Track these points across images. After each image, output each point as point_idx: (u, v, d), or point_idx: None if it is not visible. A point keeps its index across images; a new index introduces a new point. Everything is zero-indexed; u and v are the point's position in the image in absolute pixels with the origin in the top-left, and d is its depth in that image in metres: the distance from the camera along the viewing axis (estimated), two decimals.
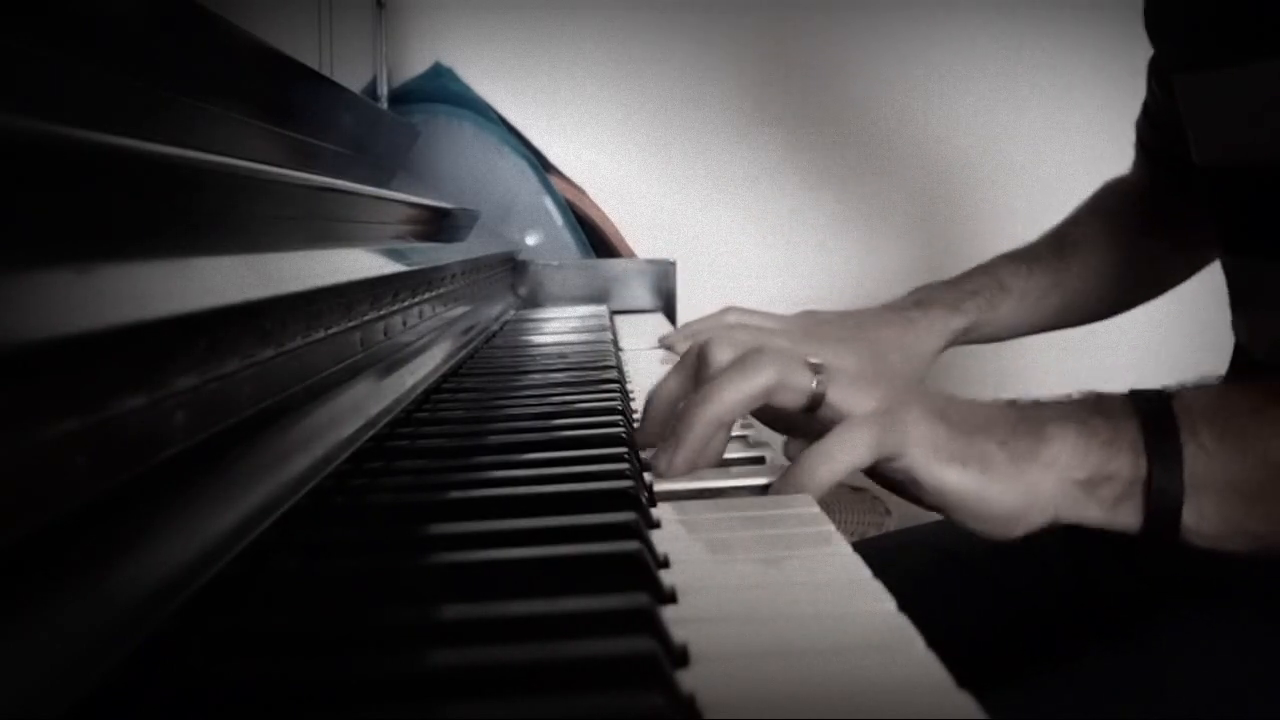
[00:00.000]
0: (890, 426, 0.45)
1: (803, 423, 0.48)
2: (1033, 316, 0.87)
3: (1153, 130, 0.86)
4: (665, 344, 0.88)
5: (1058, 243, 0.90)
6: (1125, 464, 0.46)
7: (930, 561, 0.72)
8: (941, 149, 1.74)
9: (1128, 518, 0.46)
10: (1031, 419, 0.47)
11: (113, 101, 0.37)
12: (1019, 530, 0.46)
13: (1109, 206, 0.91)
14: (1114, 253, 0.89)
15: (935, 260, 1.59)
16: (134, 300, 0.28)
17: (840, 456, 0.44)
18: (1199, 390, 0.49)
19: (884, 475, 0.47)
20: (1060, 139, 1.70)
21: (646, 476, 0.46)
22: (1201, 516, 0.46)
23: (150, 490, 0.28)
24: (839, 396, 0.46)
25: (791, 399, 0.46)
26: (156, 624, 0.25)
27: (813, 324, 0.79)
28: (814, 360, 0.47)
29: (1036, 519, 0.46)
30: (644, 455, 0.49)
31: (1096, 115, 1.63)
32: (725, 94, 1.72)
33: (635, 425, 0.54)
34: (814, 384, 0.46)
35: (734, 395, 0.46)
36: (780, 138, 1.73)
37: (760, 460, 0.50)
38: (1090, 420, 0.47)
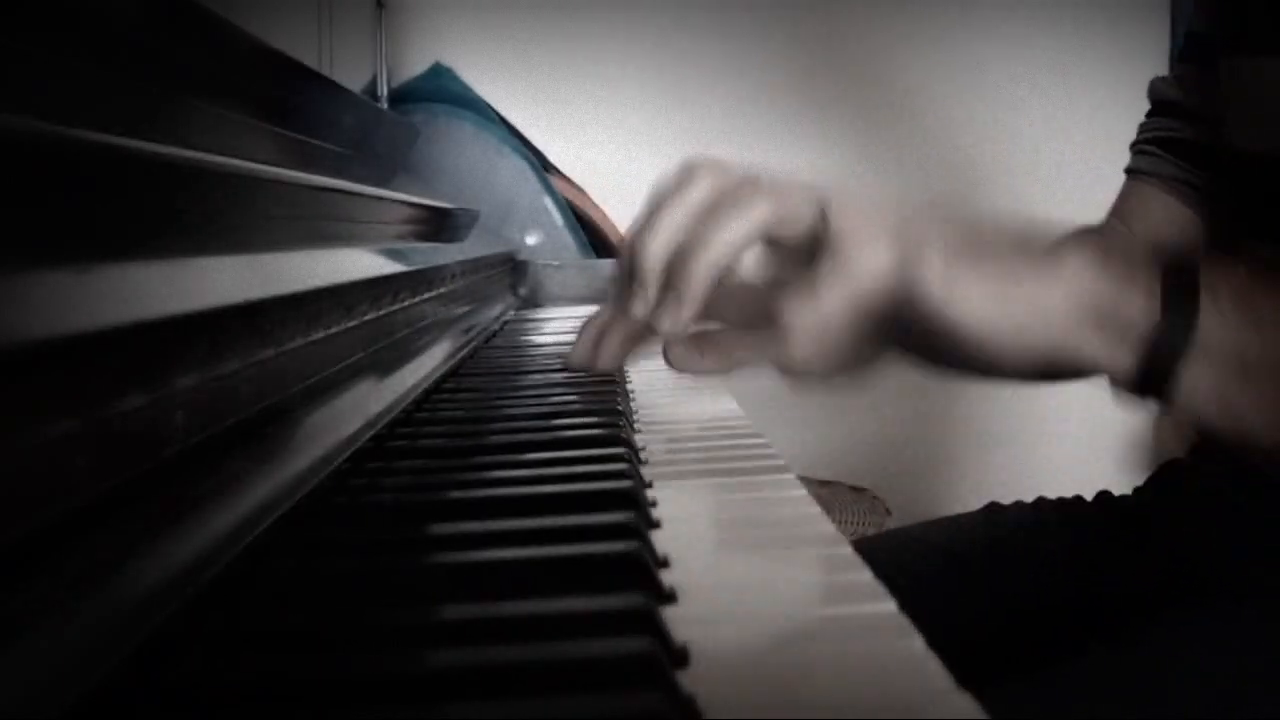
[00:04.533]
0: (907, 250, 0.40)
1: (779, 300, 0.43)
2: None
3: (1188, 125, 0.78)
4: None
5: None
6: (1138, 305, 0.43)
7: (930, 561, 0.72)
8: (942, 149, 1.74)
9: (1123, 362, 0.44)
10: (1052, 238, 0.45)
11: (113, 101, 0.37)
12: (1015, 351, 0.43)
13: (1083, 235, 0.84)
14: None
15: None
16: (134, 300, 0.28)
17: (849, 281, 0.39)
18: (1230, 261, 0.47)
19: (892, 317, 0.43)
20: (1060, 139, 1.70)
21: (645, 474, 0.46)
22: (1197, 381, 0.44)
23: (150, 490, 0.28)
24: (847, 225, 0.41)
25: (792, 233, 0.42)
26: (157, 624, 0.25)
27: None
28: (812, 189, 0.42)
29: (1036, 340, 0.43)
30: (636, 443, 0.49)
31: (1096, 115, 1.63)
32: (725, 93, 1.72)
33: (622, 404, 0.50)
34: (816, 212, 0.41)
35: (732, 234, 0.41)
36: (780, 137, 1.73)
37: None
38: (1111, 254, 0.45)
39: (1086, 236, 0.46)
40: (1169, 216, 0.77)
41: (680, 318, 0.42)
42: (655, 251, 0.44)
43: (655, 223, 0.44)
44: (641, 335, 0.55)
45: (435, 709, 0.24)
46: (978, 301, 0.41)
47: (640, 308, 0.44)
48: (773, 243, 0.42)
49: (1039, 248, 0.44)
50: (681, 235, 0.43)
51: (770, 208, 0.41)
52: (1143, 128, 0.81)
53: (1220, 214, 0.75)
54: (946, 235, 0.41)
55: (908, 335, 0.43)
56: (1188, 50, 0.78)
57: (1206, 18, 0.74)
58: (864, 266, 0.40)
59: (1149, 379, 0.44)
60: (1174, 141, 0.78)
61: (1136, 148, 0.81)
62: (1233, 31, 0.69)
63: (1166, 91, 0.79)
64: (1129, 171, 0.81)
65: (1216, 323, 0.43)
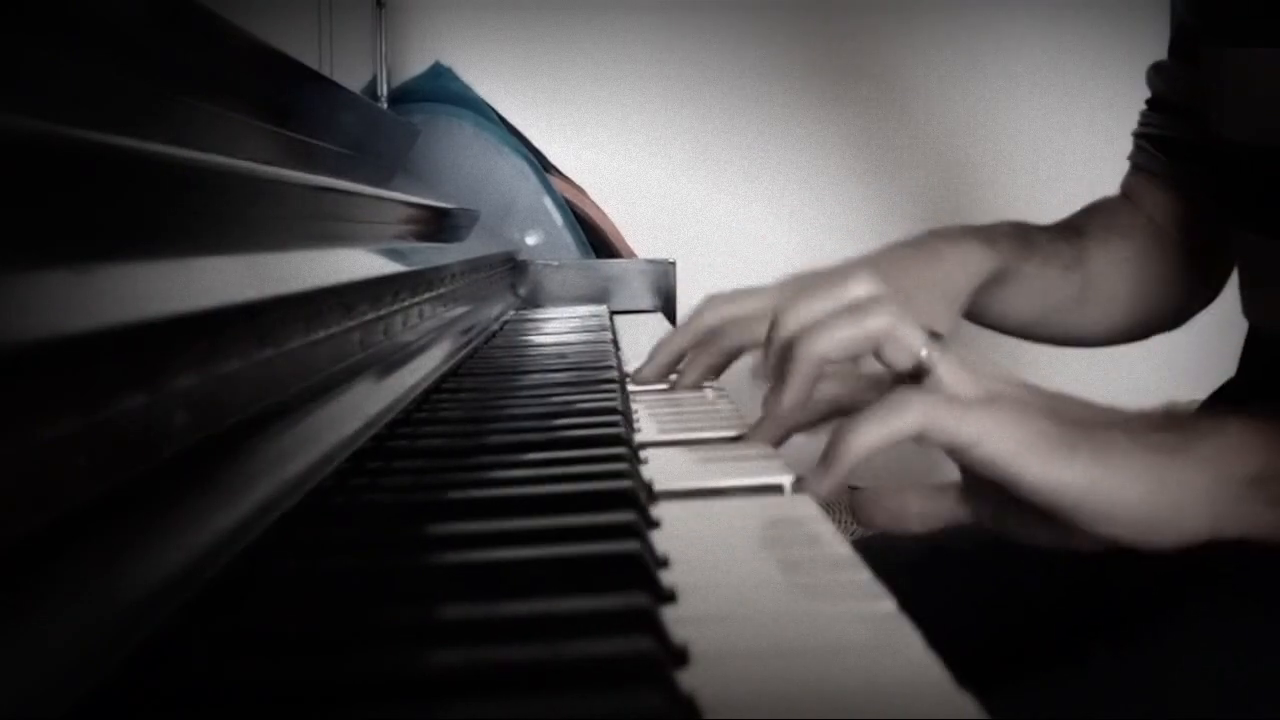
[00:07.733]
0: (964, 414, 0.40)
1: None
2: (1056, 292, 0.75)
3: (1176, 121, 0.78)
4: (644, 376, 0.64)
5: (1062, 227, 0.80)
6: None
7: (930, 560, 0.72)
8: (942, 149, 1.74)
9: None
10: (1177, 417, 0.43)
11: (113, 101, 0.37)
12: (1168, 537, 0.41)
13: (1108, 209, 0.84)
14: (1132, 241, 0.79)
15: None
16: (134, 300, 0.28)
17: (889, 422, 0.40)
18: None
19: (975, 473, 0.42)
20: (1061, 139, 1.70)
21: (645, 474, 0.46)
22: None
23: (150, 490, 0.28)
24: (948, 374, 0.43)
25: (897, 358, 0.43)
26: (157, 624, 0.25)
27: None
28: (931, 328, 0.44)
29: (1190, 524, 0.40)
30: (640, 439, 0.49)
31: (1096, 115, 1.63)
32: (725, 94, 1.72)
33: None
34: (924, 351, 0.43)
35: (846, 333, 0.43)
36: (780, 138, 1.73)
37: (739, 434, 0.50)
38: (1252, 413, 0.43)
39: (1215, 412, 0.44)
40: (1164, 209, 0.80)
41: (783, 399, 0.44)
42: (787, 328, 0.46)
43: (801, 304, 0.46)
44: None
45: (435, 709, 0.24)
46: (1086, 490, 0.40)
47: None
48: (876, 357, 0.44)
49: (1169, 425, 0.42)
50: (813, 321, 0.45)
51: (888, 326, 0.43)
52: (1141, 118, 0.83)
53: (1210, 205, 0.76)
54: (1029, 418, 0.40)
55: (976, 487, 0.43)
56: (1177, 43, 0.79)
57: (1193, 10, 0.75)
58: (956, 432, 0.40)
59: None
60: (1163, 139, 0.80)
61: (1135, 138, 0.83)
62: (1216, 22, 0.69)
63: (1158, 85, 0.81)
64: (1130, 160, 0.83)
65: None
